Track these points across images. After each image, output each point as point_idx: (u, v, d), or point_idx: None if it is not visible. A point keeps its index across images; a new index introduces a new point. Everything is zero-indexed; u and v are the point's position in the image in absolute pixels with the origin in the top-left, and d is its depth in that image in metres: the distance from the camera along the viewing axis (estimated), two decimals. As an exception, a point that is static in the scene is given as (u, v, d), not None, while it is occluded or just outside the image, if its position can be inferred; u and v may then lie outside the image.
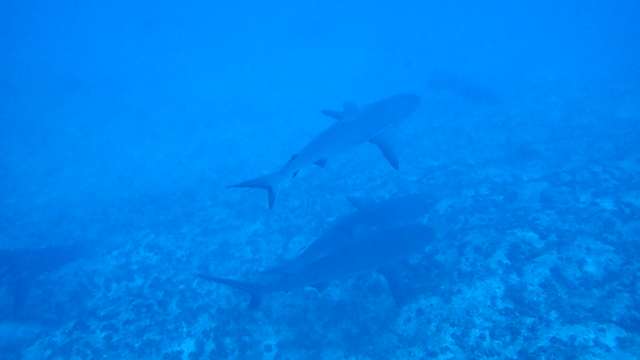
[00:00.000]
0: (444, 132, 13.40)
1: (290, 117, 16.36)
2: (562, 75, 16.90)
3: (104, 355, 6.65)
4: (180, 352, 6.82)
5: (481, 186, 8.90)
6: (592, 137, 10.89)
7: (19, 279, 7.94)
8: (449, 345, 5.51)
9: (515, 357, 5.05)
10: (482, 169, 9.74)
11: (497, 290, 6.05)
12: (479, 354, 5.26)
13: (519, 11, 27.29)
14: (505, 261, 6.51)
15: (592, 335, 4.88)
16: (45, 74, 20.10)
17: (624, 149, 9.45)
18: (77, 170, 13.83)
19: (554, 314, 5.39)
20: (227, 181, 12.32)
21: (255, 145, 14.23)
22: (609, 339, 4.80)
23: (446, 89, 16.56)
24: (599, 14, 24.95)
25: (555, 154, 10.28)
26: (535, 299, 5.73)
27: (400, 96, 7.29)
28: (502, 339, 5.31)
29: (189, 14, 28.89)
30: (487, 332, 5.47)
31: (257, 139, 14.96)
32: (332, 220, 9.39)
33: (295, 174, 6.14)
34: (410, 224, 8.15)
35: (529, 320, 5.39)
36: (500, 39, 22.94)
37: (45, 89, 18.86)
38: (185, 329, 7.16)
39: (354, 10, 29.95)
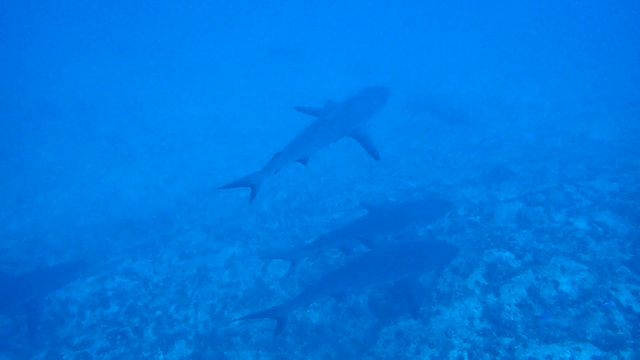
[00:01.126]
0: (421, 153, 13.57)
1: (267, 140, 16.37)
2: (536, 98, 17.34)
3: (76, 386, 6.45)
4: (156, 380, 6.66)
5: (458, 207, 8.99)
6: (565, 157, 11.14)
7: (29, 302, 7.69)
8: (428, 368, 5.49)
9: (493, 378, 5.05)
10: (459, 189, 9.86)
11: (475, 310, 6.08)
12: (458, 376, 5.25)
13: (494, 35, 28.05)
14: (483, 281, 6.56)
15: (568, 355, 4.92)
16: (17, 99, 19.76)
17: (596, 170, 9.68)
18: (50, 196, 13.57)
19: (530, 334, 5.42)
20: (205, 204, 12.22)
21: (232, 168, 14.19)
22: (585, 358, 4.84)
23: (423, 111, 16.81)
24: (570, 38, 25.78)
25: (530, 174, 10.47)
26: (512, 318, 5.76)
27: (371, 89, 7.54)
28: (480, 359, 5.31)
29: (164, 38, 28.88)
30: (465, 353, 5.47)
31: (235, 162, 14.91)
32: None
33: (277, 171, 6.27)
34: (433, 239, 8.11)
35: (506, 341, 5.41)
36: (476, 62, 23.48)
37: (17, 114, 18.54)
38: (161, 356, 7.00)
39: (331, 34, 30.43)
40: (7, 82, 21.60)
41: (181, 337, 7.37)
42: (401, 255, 6.48)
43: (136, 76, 22.70)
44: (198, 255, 9.64)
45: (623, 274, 6.00)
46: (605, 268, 6.18)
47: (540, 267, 6.40)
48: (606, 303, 5.45)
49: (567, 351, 4.96)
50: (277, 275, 8.47)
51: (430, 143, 14.28)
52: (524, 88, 18.55)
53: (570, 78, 19.06)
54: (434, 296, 6.66)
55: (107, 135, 16.85)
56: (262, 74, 23.31)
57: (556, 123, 14.21)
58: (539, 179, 9.85)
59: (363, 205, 8.39)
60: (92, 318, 8.10)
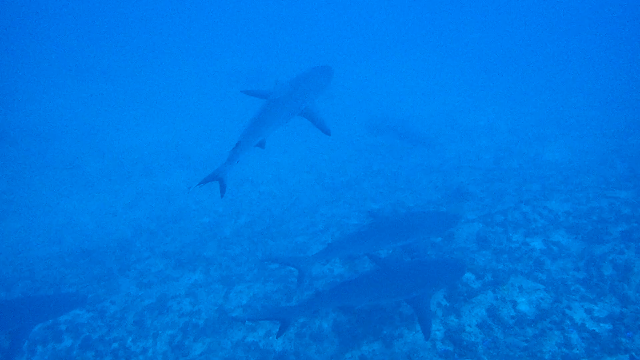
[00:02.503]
0: (383, 175, 13.71)
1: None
2: (493, 120, 17.85)
3: None
4: (112, 417, 6.37)
5: (419, 229, 9.06)
6: (522, 178, 11.45)
7: (15, 331, 7.35)
8: (391, 393, 5.45)
9: (455, 402, 5.05)
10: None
11: (437, 332, 6.10)
12: (421, 400, 5.23)
13: (451, 60, 28.88)
14: (445, 303, 6.62)
15: (527, 375, 4.98)
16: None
17: (551, 190, 9.98)
18: (1, 225, 12.97)
19: (491, 355, 5.47)
20: (166, 231, 11.94)
21: (194, 192, 13.97)
22: (543, 378, 4.91)
23: (384, 133, 17.06)
24: (522, 63, 26.79)
25: (489, 195, 10.70)
26: (473, 340, 5.81)
27: (316, 68, 7.74)
28: (443, 383, 5.32)
29: (123, 62, 28.46)
30: (428, 377, 5.46)
31: (197, 187, 14.68)
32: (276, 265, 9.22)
33: (239, 161, 6.43)
34: (443, 257, 8.08)
35: (467, 363, 5.45)
36: (434, 85, 24.06)
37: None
38: (117, 392, 6.71)
39: (292, 57, 30.70)
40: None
41: (139, 370, 7.11)
42: (411, 272, 6.45)
43: (94, 102, 22.18)
44: (158, 283, 9.38)
45: (577, 292, 6.16)
46: (560, 287, 6.34)
47: (499, 287, 6.51)
48: (628, 333, 5.37)
49: (526, 371, 5.03)
50: (239, 302, 8.32)
51: (392, 165, 14.46)
52: (481, 111, 19.08)
53: (524, 101, 19.74)
54: (397, 319, 6.67)
55: (63, 163, 16.30)
56: (225, 97, 23.19)
57: (512, 145, 14.65)
58: (497, 200, 10.08)
59: (370, 215, 8.43)
60: (43, 354, 7.71)
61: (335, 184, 13.79)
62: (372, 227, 7.62)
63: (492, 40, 32.71)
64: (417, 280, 6.24)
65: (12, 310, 7.71)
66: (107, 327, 8.19)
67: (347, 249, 7.27)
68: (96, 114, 20.72)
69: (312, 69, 7.75)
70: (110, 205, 13.63)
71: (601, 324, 5.52)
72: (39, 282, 9.84)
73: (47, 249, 11.60)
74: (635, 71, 21.67)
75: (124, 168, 15.98)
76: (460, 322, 6.14)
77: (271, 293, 8.30)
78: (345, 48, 33.03)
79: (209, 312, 8.23)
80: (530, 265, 7.06)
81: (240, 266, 9.69)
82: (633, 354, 5.05)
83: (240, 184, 14.20)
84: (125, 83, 25.01)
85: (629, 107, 16.67)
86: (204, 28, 38.22)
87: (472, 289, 6.71)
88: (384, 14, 42.27)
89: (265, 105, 6.84)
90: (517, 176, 11.74)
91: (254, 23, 39.31)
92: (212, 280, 9.24)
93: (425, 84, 24.62)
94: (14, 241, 12.11)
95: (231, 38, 35.14)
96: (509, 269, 7.08)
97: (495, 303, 6.25)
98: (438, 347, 5.88)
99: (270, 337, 7.23)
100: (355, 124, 18.29)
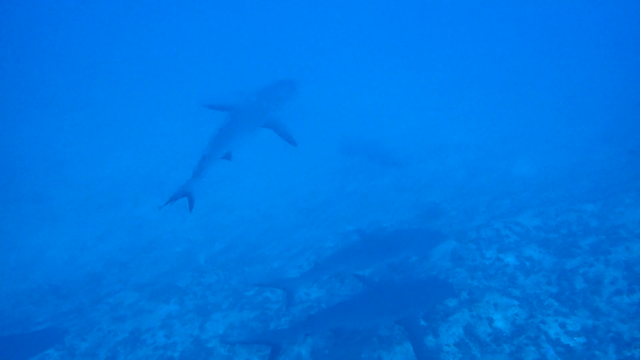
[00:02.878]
0: (357, 196, 13.77)
1: (203, 191, 16.08)
2: (462, 138, 18.17)
3: None
4: None
5: (394, 249, 9.07)
6: (492, 195, 11.64)
7: None
8: (372, 419, 5.38)
9: None
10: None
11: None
12: None
13: (421, 79, 29.41)
14: (422, 323, 6.60)
15: (506, 393, 4.99)
16: None
17: (520, 206, 10.16)
18: (-37, 263, 12.51)
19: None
20: (138, 262, 11.70)
21: (167, 221, 13.74)
22: (521, 395, 4.92)
23: (357, 154, 17.20)
24: (491, 80, 27.43)
25: (461, 212, 10.83)
26: (451, 359, 5.80)
27: (280, 82, 7.95)
28: (423, 406, 5.28)
29: (90, 91, 28.05)
30: (408, 401, 5.42)
31: (169, 215, 14.43)
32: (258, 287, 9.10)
33: (206, 174, 6.49)
34: (431, 276, 8.04)
35: (447, 384, 5.43)
36: (404, 105, 24.41)
37: None
38: None
39: (265, 79, 30.82)
40: None
41: (112, 409, 6.86)
42: (401, 291, 6.48)
43: (61, 132, 21.74)
44: (131, 316, 9.12)
45: (551, 306, 6.23)
46: (534, 302, 6.41)
47: (475, 304, 6.53)
48: None
49: (505, 389, 5.03)
50: (215, 332, 8.15)
51: (365, 186, 14.55)
52: (450, 129, 19.42)
53: (493, 119, 20.15)
54: (375, 341, 6.62)
55: (30, 196, 15.87)
56: (196, 124, 23.05)
57: (482, 162, 14.91)
58: (469, 217, 10.21)
59: (357, 232, 8.45)
60: (10, 397, 7.39)
61: (309, 206, 13.78)
62: (359, 245, 7.64)
63: (461, 59, 33.46)
64: (408, 300, 6.26)
65: None
66: (78, 365, 7.91)
67: (334, 268, 7.22)
68: (63, 144, 20.32)
69: (276, 82, 7.93)
70: (79, 238, 13.29)
71: (575, 338, 5.59)
72: (4, 322, 9.47)
73: (12, 286, 11.21)
74: (599, 85, 22.38)
75: (93, 199, 15.66)
76: (438, 342, 6.14)
77: (248, 321, 8.17)
78: (319, 69, 33.32)
79: (185, 343, 8.03)
80: (504, 281, 7.13)
81: (215, 295, 9.52)
82: (607, 366, 5.12)
83: (214, 210, 14.07)
84: (93, 112, 24.64)
85: (594, 122, 17.18)
86: (172, 54, 38.14)
87: (449, 308, 6.73)
88: (357, 34, 43.02)
89: (230, 117, 6.94)
90: (488, 193, 11.93)
91: (229, 45, 39.46)
92: (187, 311, 9.04)
93: (396, 103, 24.95)
94: (-22, 280, 11.70)
95: (201, 62, 35.11)
96: (484, 285, 7.13)
97: (471, 321, 6.27)
98: (417, 368, 5.84)
99: (247, 367, 7.08)
100: (328, 145, 18.38)
